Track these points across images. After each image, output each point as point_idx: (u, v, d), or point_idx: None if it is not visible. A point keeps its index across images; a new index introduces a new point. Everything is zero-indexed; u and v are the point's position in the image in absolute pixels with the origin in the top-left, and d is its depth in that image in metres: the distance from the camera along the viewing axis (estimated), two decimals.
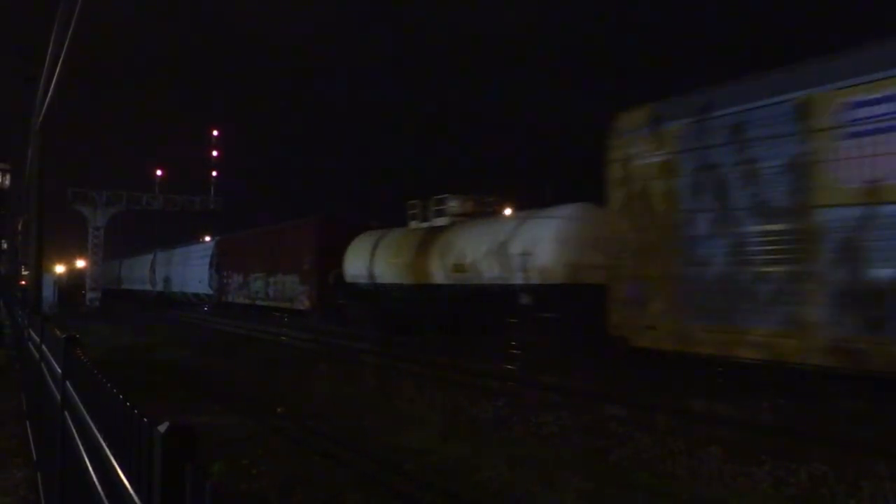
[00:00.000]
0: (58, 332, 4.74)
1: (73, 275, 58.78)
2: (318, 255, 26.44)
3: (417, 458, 7.57)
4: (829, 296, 9.25)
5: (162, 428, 1.55)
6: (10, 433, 8.04)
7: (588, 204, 16.22)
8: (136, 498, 1.75)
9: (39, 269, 17.59)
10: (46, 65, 13.81)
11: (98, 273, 48.13)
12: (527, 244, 17.04)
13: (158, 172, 52.09)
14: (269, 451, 7.76)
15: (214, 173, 55.18)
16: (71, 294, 48.59)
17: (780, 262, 9.90)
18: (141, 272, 51.68)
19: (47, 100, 14.32)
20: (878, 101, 8.77)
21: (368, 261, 23.72)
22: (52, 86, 13.43)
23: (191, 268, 41.15)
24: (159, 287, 47.40)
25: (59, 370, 4.10)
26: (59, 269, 52.24)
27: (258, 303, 32.32)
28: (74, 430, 3.19)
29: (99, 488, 2.30)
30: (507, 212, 21.64)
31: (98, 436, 2.43)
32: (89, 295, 47.08)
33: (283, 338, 22.94)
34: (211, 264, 38.08)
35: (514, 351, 16.31)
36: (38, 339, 6.75)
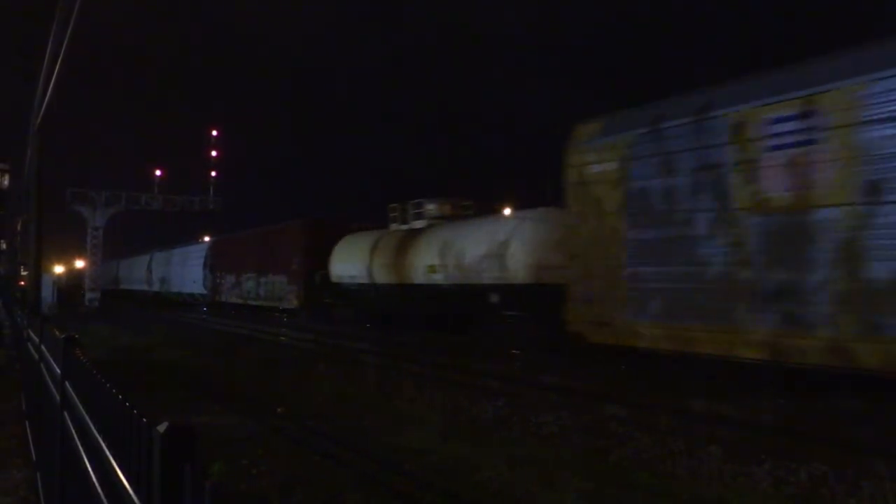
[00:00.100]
0: (57, 333, 4.73)
1: (73, 275, 58.77)
2: (305, 256, 27.82)
3: (417, 458, 7.56)
4: (754, 295, 10.19)
5: (161, 428, 1.54)
6: (9, 433, 8.03)
7: (554, 208, 16.97)
8: (135, 498, 1.75)
9: (38, 270, 17.59)
10: (45, 64, 13.81)
11: (97, 273, 48.14)
12: (494, 246, 18.03)
13: (158, 172, 52.10)
14: (269, 451, 7.74)
15: (214, 173, 55.19)
16: (70, 294, 48.58)
17: (705, 263, 10.91)
18: (138, 272, 52.09)
19: (46, 99, 14.31)
20: (790, 118, 9.82)
21: (351, 262, 25.07)
22: (51, 85, 13.42)
23: (186, 268, 42.06)
24: (156, 287, 47.92)
25: (59, 370, 4.10)
26: (59, 269, 52.20)
27: (250, 302, 33.81)
28: (74, 431, 3.18)
29: (98, 489, 2.30)
30: (507, 211, 21.72)
31: (97, 436, 2.43)
32: (88, 295, 47.10)
33: (283, 338, 22.95)
34: (205, 265, 39.41)
35: (515, 351, 16.35)
36: (37, 340, 6.74)
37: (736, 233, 10.50)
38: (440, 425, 9.20)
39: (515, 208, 21.89)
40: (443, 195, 24.25)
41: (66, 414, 3.57)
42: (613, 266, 12.49)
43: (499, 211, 22.40)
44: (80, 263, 55.47)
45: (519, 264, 17.22)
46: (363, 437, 8.60)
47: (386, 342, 19.69)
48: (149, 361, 16.60)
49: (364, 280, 24.28)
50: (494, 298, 17.98)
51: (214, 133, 58.01)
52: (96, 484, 2.35)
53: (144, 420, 1.70)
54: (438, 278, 20.23)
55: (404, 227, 23.85)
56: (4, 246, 47.20)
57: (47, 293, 29.23)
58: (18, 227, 42.99)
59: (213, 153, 56.72)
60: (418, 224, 23.37)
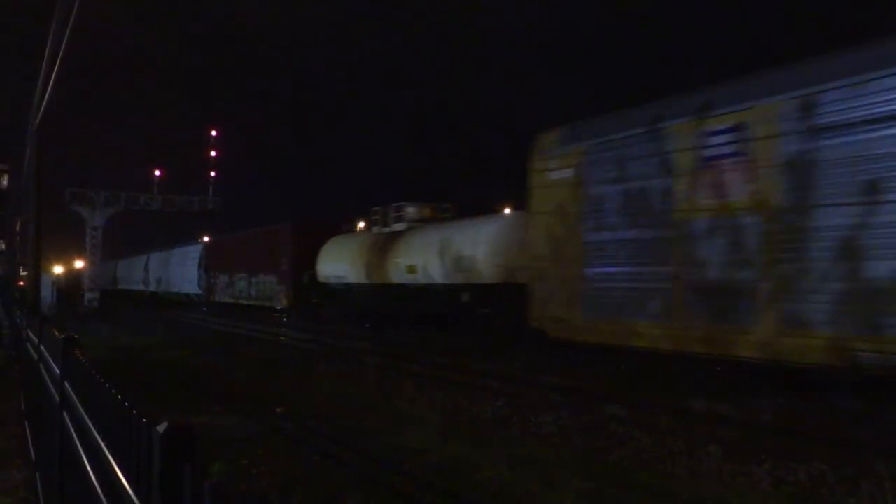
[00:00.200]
0: (56, 333, 4.73)
1: (72, 275, 58.79)
2: (294, 257, 29.04)
3: (417, 458, 7.56)
4: (685, 292, 11.15)
5: (161, 428, 1.54)
6: (9, 434, 8.02)
7: (522, 211, 17.80)
8: (135, 498, 1.74)
9: (38, 270, 17.59)
10: (45, 63, 13.80)
11: (96, 273, 48.17)
12: (466, 248, 19.26)
13: (157, 173, 52.17)
14: (269, 451, 7.74)
15: (213, 173, 55.23)
16: (69, 294, 48.58)
17: (650, 264, 11.84)
18: (136, 273, 52.44)
19: (45, 99, 14.30)
20: (722, 132, 10.81)
21: (337, 263, 26.45)
22: (51, 85, 13.41)
23: (182, 268, 43.06)
24: (152, 287, 48.44)
25: (58, 371, 4.09)
26: (58, 269, 52.18)
27: (242, 301, 35.05)
28: (73, 431, 3.18)
29: (98, 489, 2.29)
30: (507, 211, 21.81)
31: (97, 436, 2.42)
32: (88, 295, 47.14)
33: (283, 338, 22.98)
34: (200, 265, 40.43)
35: (514, 351, 16.37)
36: (36, 340, 6.74)
37: (676, 236, 11.44)
38: (440, 425, 9.19)
39: (515, 208, 21.93)
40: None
41: (65, 414, 3.57)
42: (571, 267, 13.48)
43: (499, 211, 22.47)
44: (79, 263, 55.50)
45: (488, 265, 18.34)
46: (363, 437, 8.60)
47: (386, 342, 19.70)
48: (148, 361, 16.59)
49: (349, 280, 25.50)
50: (466, 297, 19.14)
51: (214, 133, 58.09)
52: (96, 484, 2.34)
53: (144, 420, 1.69)
54: (416, 278, 21.39)
55: (386, 229, 25.06)
56: (4, 246, 47.21)
57: (46, 293, 29.21)
58: (18, 228, 43.00)
59: (213, 153, 56.77)
60: (399, 226, 24.49)
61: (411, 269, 21.58)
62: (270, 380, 13.32)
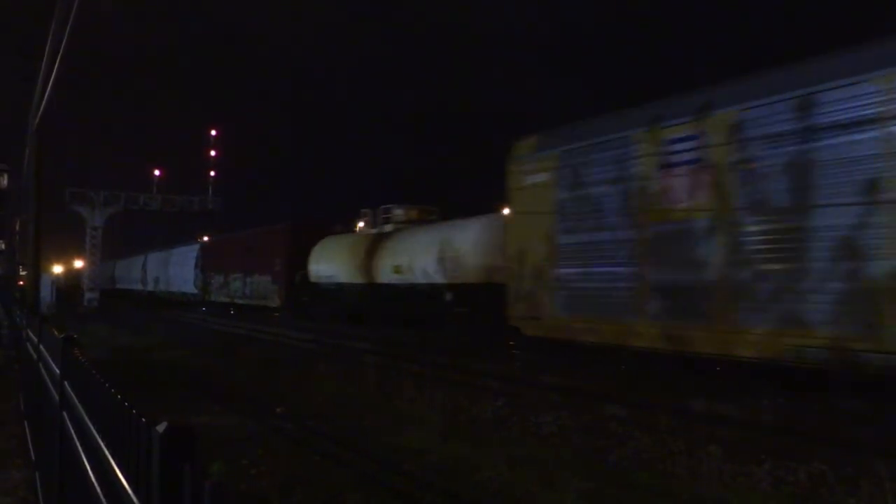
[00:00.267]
0: (56, 333, 4.72)
1: (71, 275, 58.81)
2: (287, 257, 29.71)
3: (417, 458, 7.55)
4: (652, 292, 11.84)
5: (160, 428, 1.54)
6: (8, 434, 8.01)
7: (501, 213, 18.52)
8: (134, 498, 1.74)
9: (37, 270, 17.59)
10: (44, 63, 13.79)
11: (96, 273, 48.18)
12: (448, 249, 19.89)
13: (157, 172, 52.17)
14: (269, 451, 7.74)
15: (213, 173, 55.24)
16: (69, 294, 48.59)
17: (622, 265, 12.46)
18: (134, 273, 52.68)
19: (45, 99, 14.30)
20: (683, 140, 11.51)
21: (327, 263, 27.25)
22: (50, 85, 13.40)
23: (179, 268, 43.82)
24: (150, 287, 48.82)
25: (58, 370, 4.09)
26: (57, 269, 52.20)
27: (237, 301, 35.71)
28: (73, 431, 3.17)
29: (97, 489, 2.29)
30: (507, 211, 21.82)
31: (97, 436, 2.42)
32: (87, 295, 47.13)
33: (283, 338, 22.95)
34: (196, 265, 40.97)
35: (515, 351, 16.38)
36: (36, 340, 6.73)
37: (640, 237, 12.15)
38: (440, 425, 9.19)
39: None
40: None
41: (65, 414, 3.57)
42: (544, 266, 14.28)
43: (499, 211, 22.47)
44: (78, 263, 55.48)
45: (468, 265, 19.01)
46: (363, 437, 8.59)
47: (386, 342, 19.70)
48: (148, 361, 16.58)
49: (338, 280, 26.28)
50: (448, 297, 19.78)
51: (214, 133, 58.07)
52: (95, 484, 2.34)
53: (143, 420, 1.69)
54: (402, 278, 22.11)
55: (374, 230, 25.77)
56: (3, 246, 47.20)
57: (46, 293, 29.21)
58: (17, 227, 42.99)
59: (213, 153, 56.77)
60: (387, 228, 25.20)
61: (397, 270, 22.33)
62: (270, 380, 13.32)
